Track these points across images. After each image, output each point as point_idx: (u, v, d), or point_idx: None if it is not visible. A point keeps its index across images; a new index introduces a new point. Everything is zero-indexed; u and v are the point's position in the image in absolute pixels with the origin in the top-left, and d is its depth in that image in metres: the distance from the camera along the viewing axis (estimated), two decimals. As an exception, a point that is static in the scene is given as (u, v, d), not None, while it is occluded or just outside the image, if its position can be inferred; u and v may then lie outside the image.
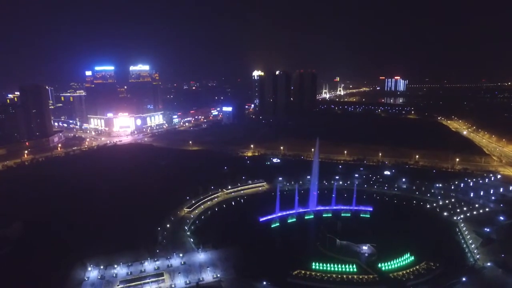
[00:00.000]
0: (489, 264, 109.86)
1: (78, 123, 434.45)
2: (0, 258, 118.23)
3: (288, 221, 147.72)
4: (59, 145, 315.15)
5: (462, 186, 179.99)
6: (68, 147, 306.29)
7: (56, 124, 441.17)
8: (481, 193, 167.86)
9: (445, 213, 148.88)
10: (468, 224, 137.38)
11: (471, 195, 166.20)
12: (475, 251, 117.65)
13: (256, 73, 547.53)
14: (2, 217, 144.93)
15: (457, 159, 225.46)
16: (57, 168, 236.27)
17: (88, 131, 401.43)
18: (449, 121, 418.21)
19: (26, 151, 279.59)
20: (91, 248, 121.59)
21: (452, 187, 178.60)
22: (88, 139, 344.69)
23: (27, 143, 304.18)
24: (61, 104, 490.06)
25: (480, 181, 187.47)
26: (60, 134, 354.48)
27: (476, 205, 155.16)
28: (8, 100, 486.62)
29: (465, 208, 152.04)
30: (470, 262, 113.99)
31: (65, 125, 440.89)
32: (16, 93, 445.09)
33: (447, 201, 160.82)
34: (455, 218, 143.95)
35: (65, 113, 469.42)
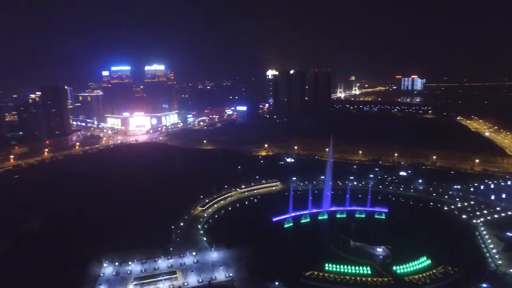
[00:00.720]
0: (511, 270, 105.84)
1: (95, 122, 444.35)
2: (22, 252, 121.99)
3: (302, 221, 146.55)
4: (77, 143, 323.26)
5: (482, 188, 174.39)
6: (86, 145, 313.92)
7: (74, 123, 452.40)
8: (503, 196, 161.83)
9: (464, 216, 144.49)
10: (489, 228, 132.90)
11: (492, 198, 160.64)
12: (496, 256, 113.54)
13: (270, 73, 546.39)
14: (24, 213, 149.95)
15: (477, 160, 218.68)
16: (75, 166, 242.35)
17: (105, 130, 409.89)
18: (468, 121, 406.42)
19: (46, 149, 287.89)
20: (107, 244, 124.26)
21: (472, 189, 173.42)
22: (104, 138, 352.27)
23: (47, 142, 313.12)
24: (79, 104, 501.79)
25: (502, 183, 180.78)
26: (79, 133, 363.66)
27: (498, 208, 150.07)
28: (30, 100, 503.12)
29: (485, 211, 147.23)
30: (491, 268, 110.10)
31: (83, 124, 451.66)
32: (37, 93, 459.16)
33: (466, 204, 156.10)
34: (474, 221, 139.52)
35: (83, 113, 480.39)
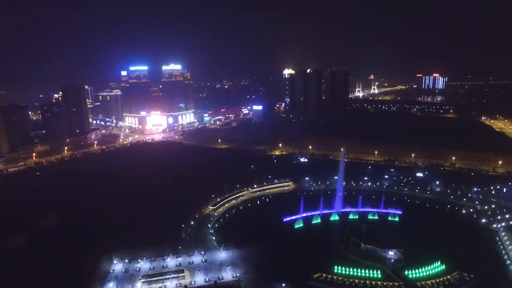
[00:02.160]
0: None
1: (114, 121, 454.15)
2: (38, 247, 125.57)
3: (313, 222, 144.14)
4: (95, 142, 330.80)
5: (505, 191, 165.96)
6: (104, 144, 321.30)
7: (94, 122, 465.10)
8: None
9: (483, 220, 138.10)
10: (510, 233, 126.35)
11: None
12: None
13: (287, 72, 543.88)
14: (41, 209, 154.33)
15: (500, 162, 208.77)
16: (92, 164, 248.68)
17: (123, 129, 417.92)
18: (492, 121, 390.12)
19: (66, 147, 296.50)
20: (118, 241, 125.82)
21: (493, 192, 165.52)
22: (121, 137, 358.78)
23: (67, 140, 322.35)
24: (98, 103, 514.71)
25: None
26: (97, 131, 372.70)
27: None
28: (54, 100, 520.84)
29: (507, 216, 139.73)
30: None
31: (103, 123, 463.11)
32: (60, 93, 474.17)
33: (486, 207, 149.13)
34: (495, 225, 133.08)
35: (103, 112, 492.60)
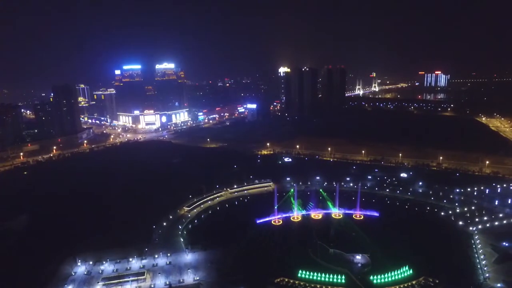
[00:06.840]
0: (499, 285, 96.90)
1: (108, 120, 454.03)
2: (4, 249, 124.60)
3: (286, 224, 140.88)
4: (85, 141, 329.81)
5: (487, 192, 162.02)
6: (94, 143, 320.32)
7: (90, 121, 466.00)
8: (510, 201, 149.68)
9: (461, 222, 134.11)
10: (485, 236, 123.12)
11: (496, 203, 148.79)
12: (485, 268, 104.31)
13: (283, 70, 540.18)
14: (11, 210, 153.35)
15: (487, 162, 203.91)
16: (78, 163, 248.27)
17: (116, 128, 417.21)
18: (489, 119, 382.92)
19: (55, 147, 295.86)
20: (86, 243, 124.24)
21: (475, 193, 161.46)
22: (112, 136, 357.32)
23: (58, 139, 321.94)
24: (94, 102, 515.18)
25: (511, 187, 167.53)
26: (90, 130, 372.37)
27: (500, 215, 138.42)
28: (51, 99, 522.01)
29: (485, 218, 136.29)
30: (479, 280, 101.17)
31: (97, 121, 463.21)
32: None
33: (465, 209, 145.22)
34: (470, 228, 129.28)
35: (98, 111, 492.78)
